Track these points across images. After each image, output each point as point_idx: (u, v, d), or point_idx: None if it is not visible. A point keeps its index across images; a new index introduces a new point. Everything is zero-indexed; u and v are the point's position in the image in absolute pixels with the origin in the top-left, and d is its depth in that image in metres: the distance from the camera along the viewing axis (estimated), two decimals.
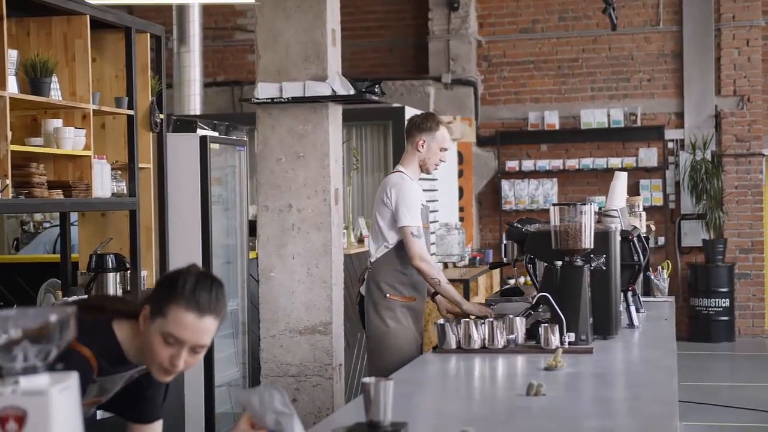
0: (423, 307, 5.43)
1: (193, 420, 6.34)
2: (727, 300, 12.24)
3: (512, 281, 12.38)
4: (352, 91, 5.89)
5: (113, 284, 5.51)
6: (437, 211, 10.52)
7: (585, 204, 4.41)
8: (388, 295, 5.22)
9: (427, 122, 5.36)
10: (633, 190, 12.41)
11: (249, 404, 2.59)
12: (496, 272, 11.70)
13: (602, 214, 5.09)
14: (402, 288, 5.23)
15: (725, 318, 12.26)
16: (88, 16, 5.28)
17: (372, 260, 5.32)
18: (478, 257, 11.00)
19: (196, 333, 2.54)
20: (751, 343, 12.29)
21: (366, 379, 2.72)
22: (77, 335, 1.91)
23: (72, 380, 1.84)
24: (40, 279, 6.01)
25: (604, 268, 4.52)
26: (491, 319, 4.31)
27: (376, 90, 6.16)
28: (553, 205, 4.47)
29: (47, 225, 9.00)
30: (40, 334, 1.81)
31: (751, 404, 8.68)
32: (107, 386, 2.71)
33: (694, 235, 12.57)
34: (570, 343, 4.23)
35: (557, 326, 4.21)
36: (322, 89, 5.82)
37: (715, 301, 12.21)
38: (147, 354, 2.60)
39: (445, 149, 5.40)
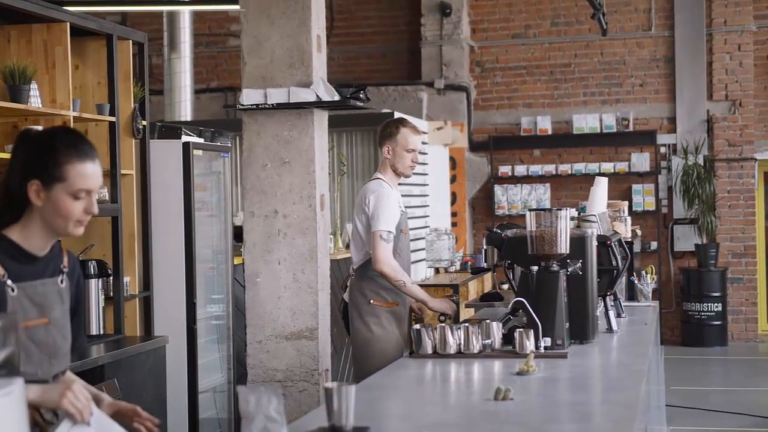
0: (406, 312, 5.47)
1: (176, 426, 6.34)
2: (720, 304, 12.24)
3: (506, 286, 12.40)
4: (336, 97, 5.90)
5: (95, 291, 5.52)
6: (428, 216, 10.53)
7: (561, 209, 4.42)
8: (372, 301, 5.30)
9: (387, 128, 5.51)
10: (625, 194, 12.42)
11: (244, 400, 2.62)
12: (488, 277, 11.71)
13: (580, 219, 5.10)
14: (385, 294, 5.28)
15: (718, 322, 12.26)
16: (68, 23, 5.30)
17: (355, 267, 5.39)
18: (469, 262, 11.01)
19: (96, 178, 2.73)
20: (744, 348, 12.29)
21: (328, 385, 2.74)
22: None
23: (16, 386, 1.85)
24: None
25: (581, 273, 4.53)
26: (467, 324, 4.32)
27: (360, 96, 6.17)
28: (530, 210, 4.48)
29: None
30: None
31: (743, 409, 8.68)
32: (37, 299, 2.70)
33: (686, 239, 12.58)
34: (546, 347, 4.24)
35: (532, 331, 4.22)
36: (306, 95, 5.84)
37: (708, 306, 12.22)
38: (56, 219, 2.68)
39: (412, 150, 5.46)
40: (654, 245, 12.53)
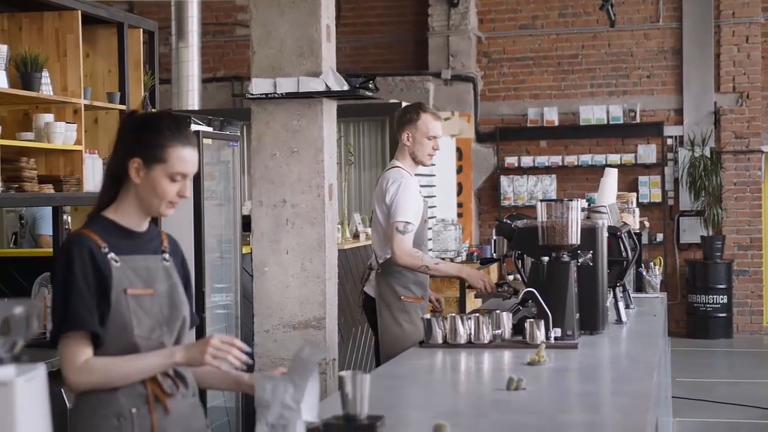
0: (427, 304, 5.41)
1: None
2: (725, 296, 12.24)
3: (511, 277, 12.41)
4: (345, 87, 5.90)
5: None
6: (435, 207, 10.54)
7: (572, 200, 4.42)
8: (402, 297, 5.16)
9: (406, 114, 5.33)
10: (632, 186, 12.41)
11: (261, 387, 2.65)
12: (495, 267, 11.72)
13: (591, 210, 5.10)
14: (414, 288, 5.18)
15: (723, 314, 12.27)
16: (79, 11, 5.30)
17: (380, 261, 5.22)
18: (476, 253, 11.00)
19: (194, 164, 2.85)
20: (749, 340, 12.30)
21: (342, 373, 2.74)
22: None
23: (39, 371, 1.86)
24: (35, 273, 6.03)
25: (591, 263, 4.53)
26: (477, 315, 4.32)
27: (369, 86, 6.16)
28: (540, 200, 4.48)
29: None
30: (6, 326, 1.84)
31: (747, 401, 8.69)
32: (140, 272, 2.83)
33: (692, 231, 12.58)
34: (556, 338, 4.25)
35: (543, 321, 4.22)
36: (315, 85, 5.84)
37: (713, 298, 12.22)
38: (151, 199, 2.81)
39: (433, 137, 5.29)
40: (660, 237, 12.53)
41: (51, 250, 6.25)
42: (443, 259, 9.88)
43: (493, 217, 13.03)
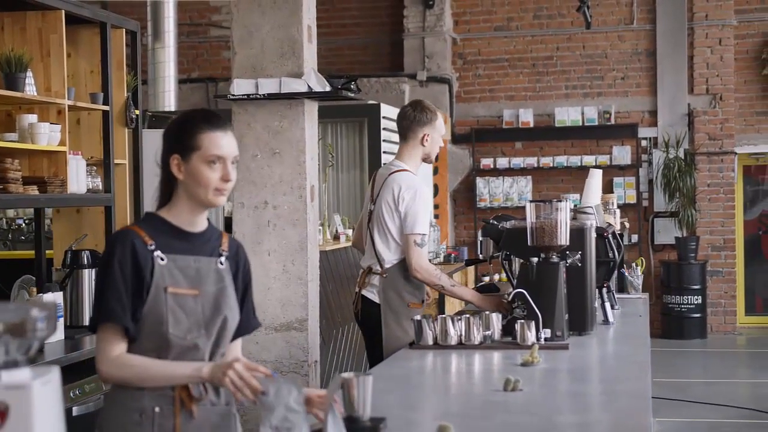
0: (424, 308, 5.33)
1: None
2: (700, 297, 12.33)
3: (487, 278, 12.44)
4: (328, 88, 5.89)
5: (89, 281, 5.48)
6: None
7: (561, 201, 4.43)
8: (410, 304, 4.99)
9: (426, 114, 5.08)
10: (607, 187, 12.47)
11: (266, 391, 2.64)
12: (471, 269, 11.75)
13: (577, 211, 5.11)
14: (419, 294, 5.03)
15: (697, 315, 12.35)
16: (63, 11, 5.25)
17: (387, 266, 5.00)
18: (453, 254, 11.03)
19: (230, 146, 2.85)
20: (723, 340, 12.39)
21: (345, 375, 2.73)
22: None
23: (54, 374, 1.84)
24: (14, 275, 5.97)
25: (580, 264, 4.54)
26: (467, 316, 4.32)
27: (352, 87, 6.16)
28: (530, 201, 4.49)
29: (20, 221, 8.94)
30: (22, 328, 1.81)
31: (723, 400, 8.75)
32: (188, 272, 2.85)
33: (666, 232, 12.66)
34: (546, 339, 4.26)
35: (533, 322, 4.23)
36: (298, 86, 5.82)
37: (688, 298, 12.31)
38: (197, 190, 2.84)
39: (443, 134, 5.19)
40: (635, 238, 12.60)
41: (32, 252, 6.19)
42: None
43: (469, 219, 13.07)
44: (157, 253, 2.82)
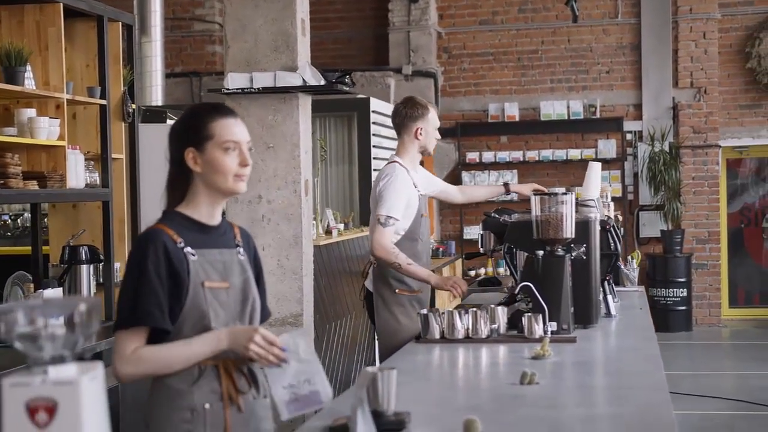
0: (428, 297, 5.38)
1: None
2: (685, 290, 12.39)
3: (472, 273, 12.45)
4: (322, 82, 5.87)
5: (86, 276, 5.44)
6: None
7: (566, 193, 4.43)
8: (397, 290, 5.15)
9: (417, 109, 5.34)
10: None
11: (286, 359, 2.71)
12: (459, 263, 11.75)
13: (579, 204, 5.11)
14: (409, 281, 5.15)
15: (683, 308, 12.41)
16: (61, 4, 5.20)
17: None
18: (441, 249, 11.03)
19: (242, 132, 2.89)
20: (708, 333, 12.46)
21: (370, 369, 2.71)
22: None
23: (99, 370, 1.82)
24: (9, 271, 5.91)
25: (585, 257, 4.54)
26: (474, 309, 4.31)
27: (346, 81, 6.15)
28: (534, 194, 4.48)
29: (5, 217, 8.86)
30: (68, 323, 1.79)
31: (708, 392, 8.80)
32: (217, 266, 2.85)
33: (652, 225, 12.70)
34: (552, 332, 4.25)
35: (540, 316, 4.23)
36: (292, 79, 5.80)
37: (673, 291, 12.36)
38: (216, 177, 2.84)
39: (437, 127, 5.44)
40: (621, 231, 12.62)
41: (21, 248, 6.14)
42: None
43: (454, 213, 13.07)
44: (188, 249, 2.82)
